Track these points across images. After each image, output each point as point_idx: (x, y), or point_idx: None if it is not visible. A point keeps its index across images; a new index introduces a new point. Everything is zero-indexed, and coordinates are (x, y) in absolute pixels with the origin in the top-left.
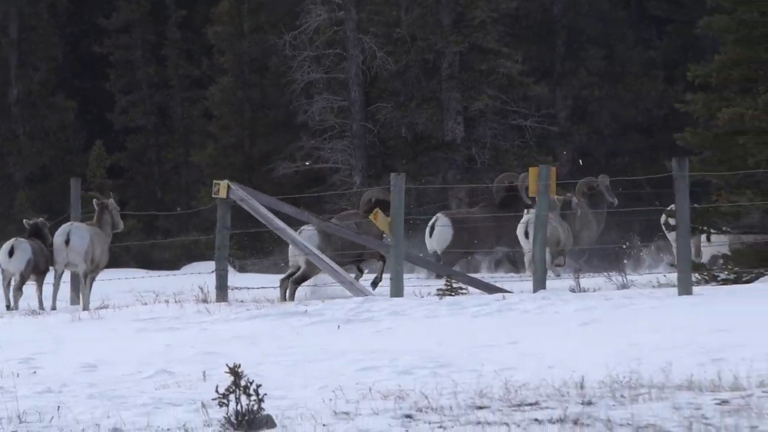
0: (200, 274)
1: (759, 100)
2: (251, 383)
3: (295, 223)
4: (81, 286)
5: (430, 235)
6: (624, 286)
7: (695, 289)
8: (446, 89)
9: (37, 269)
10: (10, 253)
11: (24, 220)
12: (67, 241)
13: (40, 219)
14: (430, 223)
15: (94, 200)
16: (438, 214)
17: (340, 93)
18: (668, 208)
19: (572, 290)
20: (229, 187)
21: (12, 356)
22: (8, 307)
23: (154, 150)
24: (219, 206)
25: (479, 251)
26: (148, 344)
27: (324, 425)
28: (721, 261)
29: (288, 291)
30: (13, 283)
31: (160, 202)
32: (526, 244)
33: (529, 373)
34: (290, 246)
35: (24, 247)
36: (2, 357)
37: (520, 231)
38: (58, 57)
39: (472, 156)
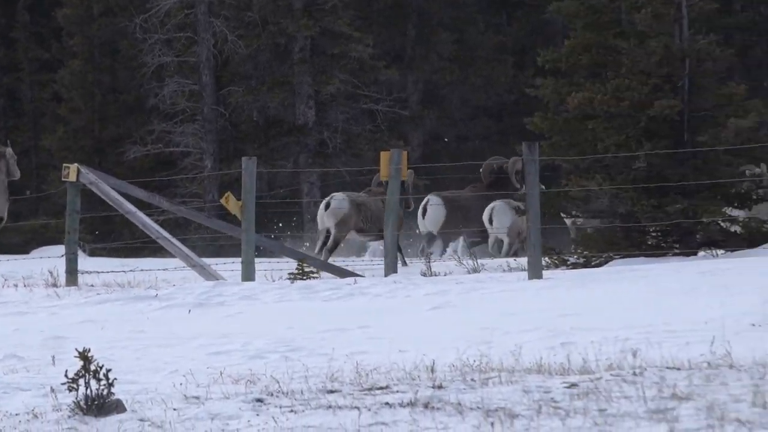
0: (50, 258)
1: (608, 85)
2: (101, 368)
3: (146, 207)
4: None
5: (423, 216)
6: (475, 270)
7: (545, 273)
8: (298, 73)
9: None
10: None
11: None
12: None
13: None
14: (422, 204)
15: None
16: (429, 195)
17: (191, 77)
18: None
19: (424, 274)
20: (78, 170)
21: None
22: None
23: (3, 133)
24: (69, 190)
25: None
26: None
27: (175, 409)
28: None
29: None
30: None
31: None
32: (489, 229)
33: (381, 356)
34: (319, 214)
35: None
36: None
37: (485, 217)
38: None
39: (324, 140)
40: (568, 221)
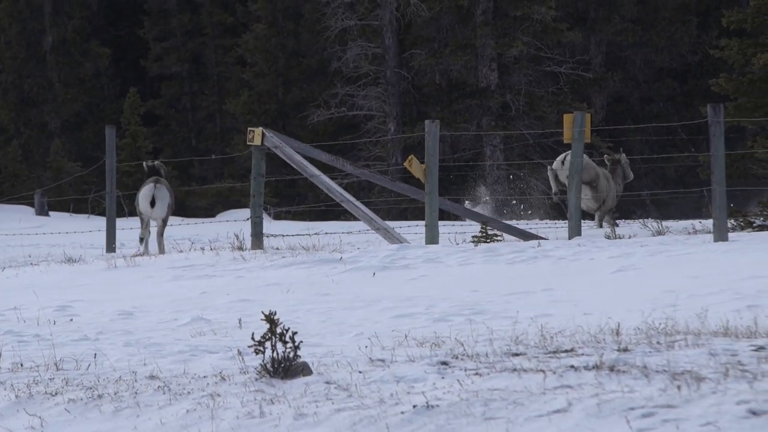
0: (235, 222)
1: None
2: (287, 330)
3: (329, 170)
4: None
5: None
6: (659, 233)
7: (731, 235)
8: (480, 36)
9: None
10: (152, 203)
11: (144, 163)
12: None
13: (157, 161)
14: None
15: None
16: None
17: (374, 40)
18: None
19: (607, 237)
20: (263, 134)
21: (48, 304)
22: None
23: (188, 97)
24: (254, 153)
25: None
26: (184, 292)
27: (360, 372)
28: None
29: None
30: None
31: (194, 149)
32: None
33: (565, 319)
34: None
35: (163, 193)
36: (39, 304)
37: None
38: (92, 4)
39: (507, 103)
40: None
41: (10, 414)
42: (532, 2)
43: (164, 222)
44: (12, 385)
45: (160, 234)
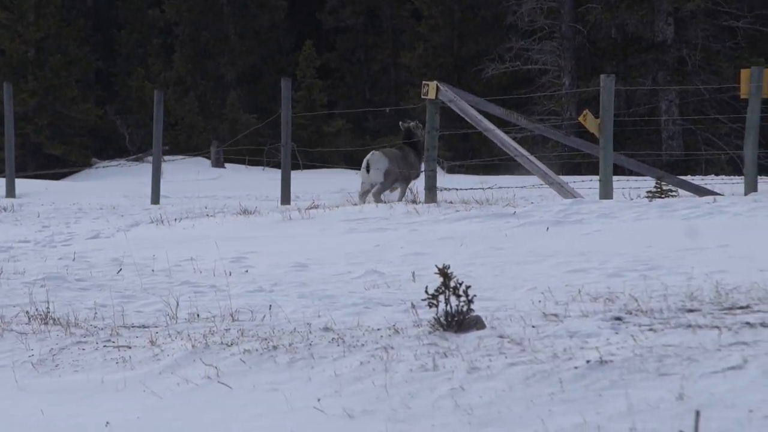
0: None
1: None
2: (460, 284)
3: (503, 124)
4: None
5: None
6: None
7: None
8: None
9: (398, 176)
10: (367, 168)
11: (400, 123)
12: None
13: (414, 122)
14: None
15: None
16: None
17: None
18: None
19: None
20: (438, 87)
21: (225, 255)
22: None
23: (363, 50)
24: (428, 107)
25: None
26: (358, 244)
27: (533, 327)
28: None
29: None
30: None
31: (369, 102)
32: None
33: (740, 276)
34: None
35: (378, 159)
36: (215, 256)
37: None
38: None
39: (683, 58)
40: None
41: (187, 363)
42: None
43: (382, 186)
44: (189, 335)
45: (377, 193)
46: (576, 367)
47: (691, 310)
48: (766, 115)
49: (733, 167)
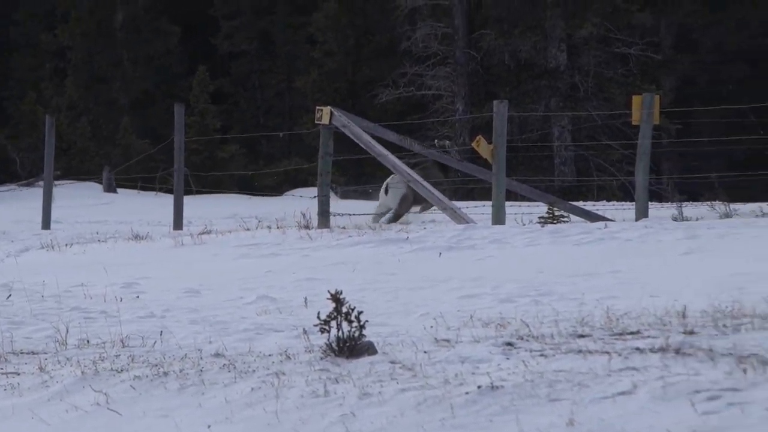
0: (302, 198)
1: None
2: (353, 310)
3: (397, 150)
4: None
5: None
6: (727, 216)
7: None
8: (550, 17)
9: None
10: (386, 190)
11: (435, 141)
12: None
13: (448, 141)
14: None
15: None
16: None
17: (443, 20)
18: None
19: (675, 219)
20: (332, 113)
21: (116, 281)
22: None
23: (257, 75)
24: (322, 132)
25: None
26: (250, 270)
27: (425, 352)
28: None
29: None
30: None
31: (262, 127)
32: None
33: (631, 301)
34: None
35: (397, 183)
36: (106, 281)
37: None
38: None
39: (575, 84)
40: None
41: (76, 390)
42: None
43: (396, 214)
44: (78, 362)
45: (390, 221)
46: (467, 393)
47: (582, 336)
48: (657, 141)
49: (625, 193)
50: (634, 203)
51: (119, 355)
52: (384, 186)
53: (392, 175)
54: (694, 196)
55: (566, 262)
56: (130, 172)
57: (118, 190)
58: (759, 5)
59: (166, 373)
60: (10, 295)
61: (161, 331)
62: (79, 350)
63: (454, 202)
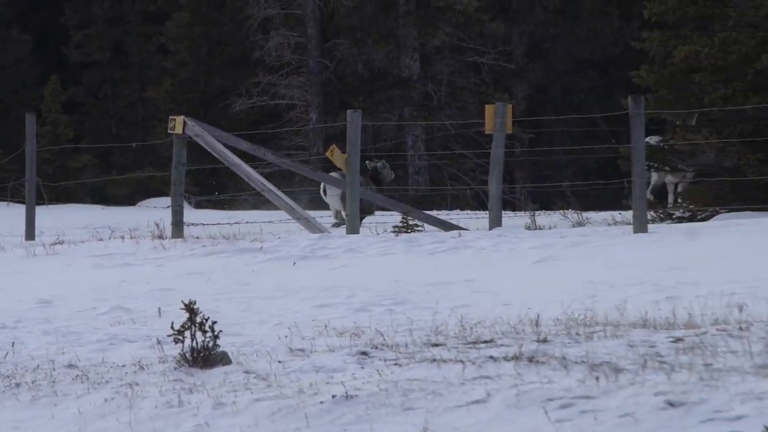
0: (156, 210)
1: (715, 38)
2: (207, 320)
3: (250, 159)
4: None
5: None
6: (580, 224)
7: (650, 227)
8: (403, 26)
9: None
10: (324, 191)
11: (366, 162)
12: None
13: (380, 162)
14: None
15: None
16: None
17: (296, 29)
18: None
19: (528, 228)
20: (184, 122)
21: None
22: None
23: (110, 85)
24: (175, 142)
25: None
26: (104, 280)
27: (279, 362)
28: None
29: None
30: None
31: (115, 137)
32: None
33: (485, 310)
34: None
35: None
36: None
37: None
38: None
39: (429, 93)
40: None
41: None
42: None
43: (340, 208)
44: None
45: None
46: (322, 402)
47: (436, 345)
48: (510, 150)
49: (478, 202)
50: (487, 212)
51: None
52: (322, 186)
53: (331, 173)
54: (547, 205)
55: (420, 271)
56: None
57: None
58: (609, 15)
59: (18, 385)
60: None
61: (13, 343)
62: None
63: (308, 211)
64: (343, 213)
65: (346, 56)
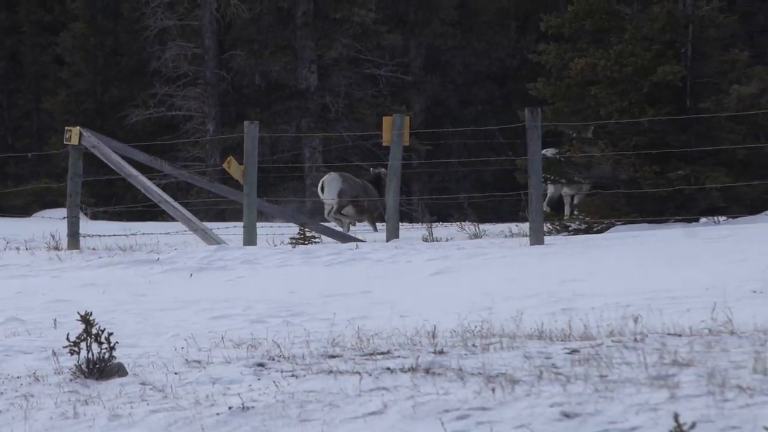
0: (52, 221)
1: (611, 50)
2: (102, 331)
3: (147, 171)
4: None
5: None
6: (477, 236)
7: (547, 239)
8: (300, 38)
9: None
10: (322, 188)
11: (371, 169)
12: None
13: (383, 170)
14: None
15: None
16: None
17: (193, 40)
18: None
19: (425, 240)
20: (81, 133)
21: None
22: None
23: (5, 95)
24: (71, 153)
25: None
26: None
27: (176, 373)
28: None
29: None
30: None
31: (11, 147)
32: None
33: (382, 322)
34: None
35: (332, 179)
36: None
37: (319, 187)
38: None
39: (326, 105)
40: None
41: None
42: (352, 4)
43: (338, 206)
44: None
45: (331, 213)
46: (218, 414)
47: (333, 356)
48: (408, 162)
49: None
50: (384, 224)
51: None
52: (320, 184)
53: (329, 173)
54: (444, 217)
55: (317, 282)
56: None
57: None
58: (506, 28)
59: None
60: None
61: None
62: None
63: (204, 223)
64: (337, 215)
65: (243, 68)
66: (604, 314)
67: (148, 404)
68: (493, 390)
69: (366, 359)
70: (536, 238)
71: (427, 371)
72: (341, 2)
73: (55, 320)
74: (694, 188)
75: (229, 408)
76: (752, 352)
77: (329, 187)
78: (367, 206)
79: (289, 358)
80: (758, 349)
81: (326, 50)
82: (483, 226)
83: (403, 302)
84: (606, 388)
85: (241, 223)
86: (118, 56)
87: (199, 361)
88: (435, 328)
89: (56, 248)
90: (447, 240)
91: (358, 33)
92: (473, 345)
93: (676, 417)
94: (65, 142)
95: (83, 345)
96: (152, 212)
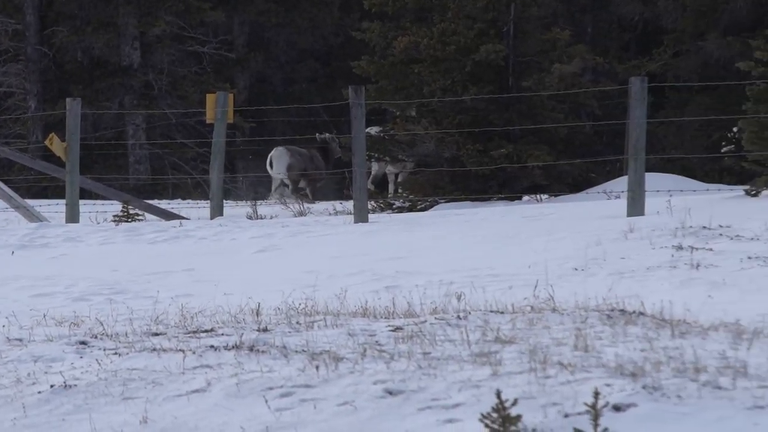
0: None
1: (434, 29)
2: None
3: None
4: None
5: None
6: (301, 214)
7: (371, 216)
8: (123, 14)
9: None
10: (270, 164)
11: (316, 135)
12: None
13: (329, 135)
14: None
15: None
16: None
17: (14, 15)
18: None
19: (249, 217)
20: None
21: None
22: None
23: None
24: None
25: None
26: None
27: None
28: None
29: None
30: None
31: None
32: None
33: (205, 299)
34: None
35: (280, 154)
36: None
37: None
38: None
39: (149, 82)
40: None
41: None
42: None
43: (289, 181)
44: None
45: (280, 187)
46: (40, 392)
47: (156, 334)
48: (232, 140)
49: (201, 191)
50: (209, 201)
51: None
52: (268, 160)
53: (275, 148)
54: (265, 195)
55: (141, 260)
56: None
57: None
58: (329, 5)
59: None
60: None
61: None
62: None
63: (26, 200)
64: (287, 189)
65: (65, 44)
66: (428, 291)
67: None
68: (317, 367)
69: (190, 337)
70: (360, 216)
71: (251, 349)
72: None
73: None
74: (516, 166)
75: (51, 386)
76: (573, 329)
77: (277, 162)
78: (313, 175)
79: (112, 336)
80: (579, 326)
81: (149, 27)
82: (307, 204)
83: (227, 280)
84: (429, 365)
85: (63, 201)
86: None
87: (20, 339)
88: (259, 306)
89: None
90: (271, 218)
91: (182, 10)
92: (297, 323)
93: (498, 394)
94: None
95: None
96: None
